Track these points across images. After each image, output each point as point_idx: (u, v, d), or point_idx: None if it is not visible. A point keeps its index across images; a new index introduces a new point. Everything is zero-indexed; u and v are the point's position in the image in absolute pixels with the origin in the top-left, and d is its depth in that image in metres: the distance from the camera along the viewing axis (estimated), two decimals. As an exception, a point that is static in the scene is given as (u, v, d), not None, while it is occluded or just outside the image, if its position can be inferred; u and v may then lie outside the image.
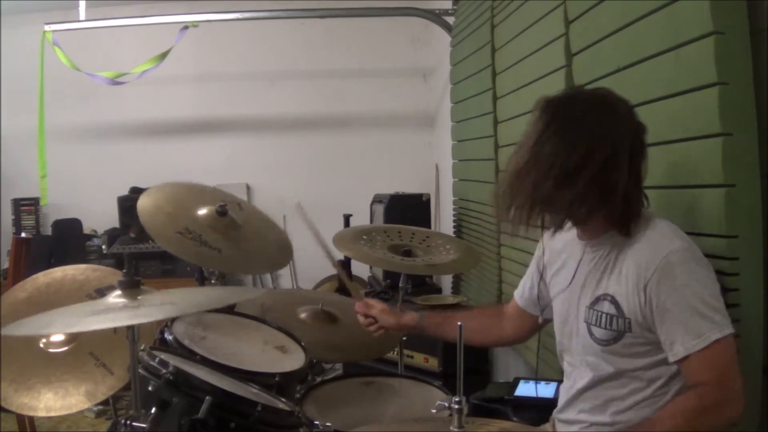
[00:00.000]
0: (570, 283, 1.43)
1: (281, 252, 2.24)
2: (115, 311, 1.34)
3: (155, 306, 1.37)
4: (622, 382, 1.31)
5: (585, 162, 1.23)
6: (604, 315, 1.31)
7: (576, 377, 1.41)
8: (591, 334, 1.34)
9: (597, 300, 1.33)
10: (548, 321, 1.61)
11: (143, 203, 2.01)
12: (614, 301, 1.29)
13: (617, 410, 1.32)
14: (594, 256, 1.37)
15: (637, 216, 1.29)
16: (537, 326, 1.67)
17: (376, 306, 1.78)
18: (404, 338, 2.24)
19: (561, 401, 1.48)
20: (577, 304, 1.39)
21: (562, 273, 1.47)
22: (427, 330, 1.78)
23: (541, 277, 1.57)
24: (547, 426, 1.53)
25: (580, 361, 1.39)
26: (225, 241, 2.03)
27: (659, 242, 1.25)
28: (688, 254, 1.23)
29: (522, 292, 1.66)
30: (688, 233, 1.29)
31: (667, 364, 1.24)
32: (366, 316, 1.79)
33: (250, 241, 2.14)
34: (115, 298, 1.40)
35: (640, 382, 1.29)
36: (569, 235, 1.46)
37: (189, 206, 2.10)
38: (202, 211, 2.09)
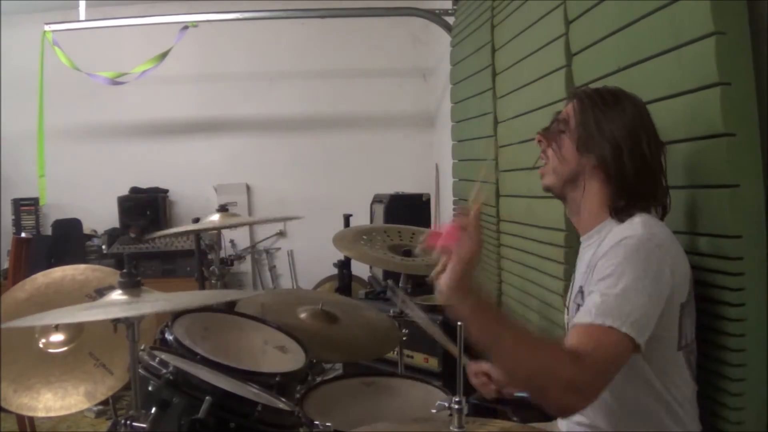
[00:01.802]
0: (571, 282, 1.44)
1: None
2: (109, 306, 1.34)
3: (150, 302, 1.36)
4: None
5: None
6: (577, 306, 1.32)
7: None
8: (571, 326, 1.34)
9: (576, 294, 1.35)
10: None
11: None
12: (581, 291, 1.31)
13: (608, 410, 1.29)
14: (585, 252, 1.39)
15: (637, 204, 1.28)
16: None
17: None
18: (404, 338, 2.24)
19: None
20: (570, 303, 1.41)
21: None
22: None
23: None
24: (549, 426, 1.53)
25: None
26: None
27: (625, 230, 1.23)
28: (643, 245, 1.18)
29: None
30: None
31: (644, 361, 1.21)
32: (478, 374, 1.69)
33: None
34: (115, 296, 1.39)
35: (621, 382, 1.23)
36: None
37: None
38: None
